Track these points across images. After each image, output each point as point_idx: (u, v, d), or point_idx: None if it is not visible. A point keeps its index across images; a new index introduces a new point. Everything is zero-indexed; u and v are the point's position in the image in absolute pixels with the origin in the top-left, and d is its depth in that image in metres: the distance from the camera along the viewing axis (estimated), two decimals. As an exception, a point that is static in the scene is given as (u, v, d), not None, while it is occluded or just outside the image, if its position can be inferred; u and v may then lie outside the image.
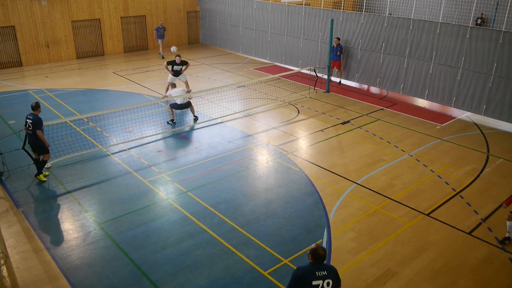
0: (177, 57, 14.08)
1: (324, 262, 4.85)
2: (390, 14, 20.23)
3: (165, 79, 17.84)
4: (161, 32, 21.49)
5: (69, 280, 6.72)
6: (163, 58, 21.48)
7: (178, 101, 12.83)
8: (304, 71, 17.71)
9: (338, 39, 16.67)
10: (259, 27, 20.58)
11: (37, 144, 9.42)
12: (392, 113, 14.42)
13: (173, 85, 13.79)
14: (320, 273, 4.78)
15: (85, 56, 21.57)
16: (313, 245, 4.88)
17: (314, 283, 4.72)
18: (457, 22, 16.62)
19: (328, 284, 4.81)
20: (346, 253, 7.46)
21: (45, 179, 9.69)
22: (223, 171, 10.21)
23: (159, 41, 21.64)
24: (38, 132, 9.24)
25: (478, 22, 23.36)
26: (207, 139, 11.99)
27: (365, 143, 11.88)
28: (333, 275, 4.86)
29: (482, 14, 23.82)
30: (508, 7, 14.03)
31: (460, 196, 9.39)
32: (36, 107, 9.46)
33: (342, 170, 10.35)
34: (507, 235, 7.83)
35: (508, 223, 7.74)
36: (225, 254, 7.36)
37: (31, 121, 9.27)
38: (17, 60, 19.60)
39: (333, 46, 16.52)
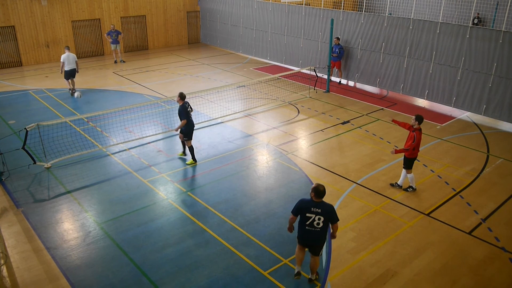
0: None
1: (323, 199, 6.01)
2: (390, 14, 20.24)
3: (165, 79, 17.85)
4: (113, 37, 19.92)
5: (69, 280, 6.72)
6: (123, 62, 20.64)
7: (66, 68, 15.03)
8: (304, 71, 17.71)
9: (338, 39, 16.67)
10: (259, 27, 20.58)
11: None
12: (392, 113, 14.41)
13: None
14: (314, 209, 6.00)
15: (85, 56, 21.57)
16: (314, 184, 6.02)
17: (307, 215, 6.04)
18: (457, 22, 16.62)
19: (319, 219, 6.01)
20: (346, 253, 7.46)
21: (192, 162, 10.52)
22: (223, 171, 10.21)
23: (113, 46, 20.09)
24: (182, 120, 10.11)
25: (475, 22, 23.38)
26: (207, 139, 11.99)
27: (365, 143, 11.88)
28: (327, 213, 6.00)
29: (478, 14, 23.87)
30: (508, 7, 14.02)
31: (460, 196, 9.39)
32: (179, 97, 10.17)
33: (342, 170, 10.34)
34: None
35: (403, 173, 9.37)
36: (225, 254, 7.36)
37: None
38: (17, 60, 19.60)
39: (333, 46, 16.52)
